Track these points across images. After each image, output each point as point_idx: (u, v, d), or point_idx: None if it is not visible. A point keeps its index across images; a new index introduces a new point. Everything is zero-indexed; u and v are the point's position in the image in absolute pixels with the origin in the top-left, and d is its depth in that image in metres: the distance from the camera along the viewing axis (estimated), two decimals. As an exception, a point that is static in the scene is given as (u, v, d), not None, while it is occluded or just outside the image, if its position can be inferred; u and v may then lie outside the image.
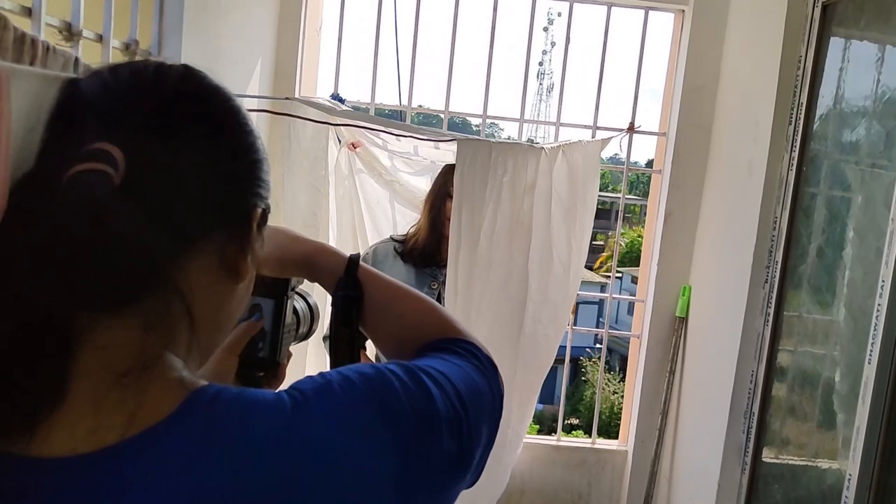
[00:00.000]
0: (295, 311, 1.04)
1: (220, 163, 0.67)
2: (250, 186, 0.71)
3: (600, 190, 2.85)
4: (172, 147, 0.62)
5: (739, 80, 2.79)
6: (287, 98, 2.10)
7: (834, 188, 2.30)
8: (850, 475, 1.94)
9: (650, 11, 3.03)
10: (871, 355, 1.91)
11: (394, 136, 2.68)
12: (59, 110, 0.62)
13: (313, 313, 1.11)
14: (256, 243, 0.72)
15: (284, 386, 0.67)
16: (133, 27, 1.61)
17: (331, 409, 0.62)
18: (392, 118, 3.04)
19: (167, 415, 0.57)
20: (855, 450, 1.93)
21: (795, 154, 2.41)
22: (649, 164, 3.39)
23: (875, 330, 1.90)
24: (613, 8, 3.03)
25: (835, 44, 2.35)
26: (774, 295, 2.46)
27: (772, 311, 2.47)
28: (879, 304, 1.90)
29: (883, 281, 1.90)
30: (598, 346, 16.37)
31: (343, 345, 0.95)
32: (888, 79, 2.08)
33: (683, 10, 2.99)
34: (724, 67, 2.91)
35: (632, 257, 17.77)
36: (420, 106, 3.19)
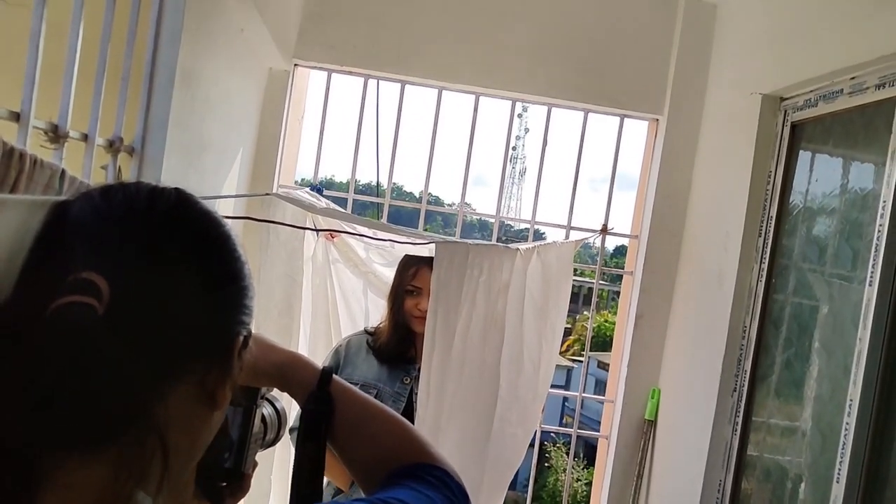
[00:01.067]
0: (263, 418, 1.01)
1: (207, 293, 0.66)
2: (235, 314, 0.70)
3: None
4: (161, 278, 0.61)
5: (711, 190, 2.87)
6: (267, 194, 2.11)
7: (802, 301, 2.35)
8: None
9: (625, 119, 3.13)
10: (839, 474, 1.92)
11: (371, 230, 2.70)
12: (45, 233, 0.60)
13: (280, 419, 1.08)
14: (236, 370, 0.71)
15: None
16: (119, 124, 1.62)
17: None
18: (370, 208, 3.07)
19: None
20: (824, 571, 1.91)
21: (765, 266, 2.47)
22: (619, 249, 3.44)
23: (843, 449, 1.92)
24: (590, 114, 3.12)
25: (803, 159, 2.43)
26: (743, 403, 2.47)
27: (740, 419, 2.48)
28: (847, 423, 1.92)
29: (851, 400, 1.92)
30: (564, 427, 16.22)
31: (307, 461, 0.92)
32: (854, 196, 2.15)
33: (658, 119, 3.09)
34: (696, 176, 3.00)
35: (598, 341, 17.80)
36: (396, 187, 3.22)
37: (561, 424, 17.21)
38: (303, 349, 2.81)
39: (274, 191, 2.69)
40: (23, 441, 0.53)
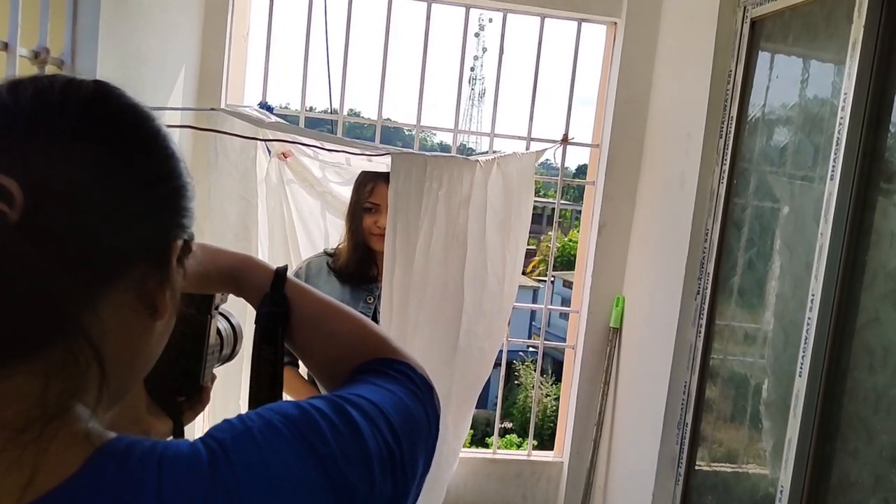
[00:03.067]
0: (219, 331, 0.98)
1: (135, 193, 0.60)
2: (170, 217, 0.64)
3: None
4: (81, 178, 0.55)
5: (671, 92, 2.82)
6: (213, 109, 2.00)
7: (763, 200, 2.33)
8: (782, 486, 1.96)
9: (583, 23, 3.04)
10: (801, 368, 1.94)
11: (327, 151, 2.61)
12: None
13: (236, 334, 1.05)
14: (177, 277, 0.66)
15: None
16: (43, 34, 1.50)
17: (253, 462, 0.56)
18: (323, 126, 2.96)
19: (72, 473, 0.51)
20: (787, 461, 1.95)
21: (726, 167, 2.44)
22: (581, 168, 3.40)
23: (805, 343, 1.93)
24: (547, 19, 3.02)
25: (763, 58, 2.39)
26: (706, 306, 2.48)
27: (704, 322, 2.49)
28: (809, 318, 1.93)
29: (813, 295, 1.93)
30: (530, 349, 16.50)
31: (266, 365, 0.89)
32: (814, 93, 2.12)
33: (616, 23, 3.01)
34: (656, 80, 2.94)
35: (563, 261, 17.98)
36: (352, 112, 3.12)
37: (528, 341, 17.48)
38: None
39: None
40: None
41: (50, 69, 1.57)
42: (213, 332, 0.95)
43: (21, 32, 1.43)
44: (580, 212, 3.27)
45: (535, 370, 15.62)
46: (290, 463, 0.57)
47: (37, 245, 0.51)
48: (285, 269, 0.90)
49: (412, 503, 0.72)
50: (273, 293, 0.87)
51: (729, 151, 2.43)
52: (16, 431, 0.50)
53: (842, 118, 1.90)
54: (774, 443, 2.10)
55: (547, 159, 3.13)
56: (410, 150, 2.43)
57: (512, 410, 17.49)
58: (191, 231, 0.68)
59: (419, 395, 0.79)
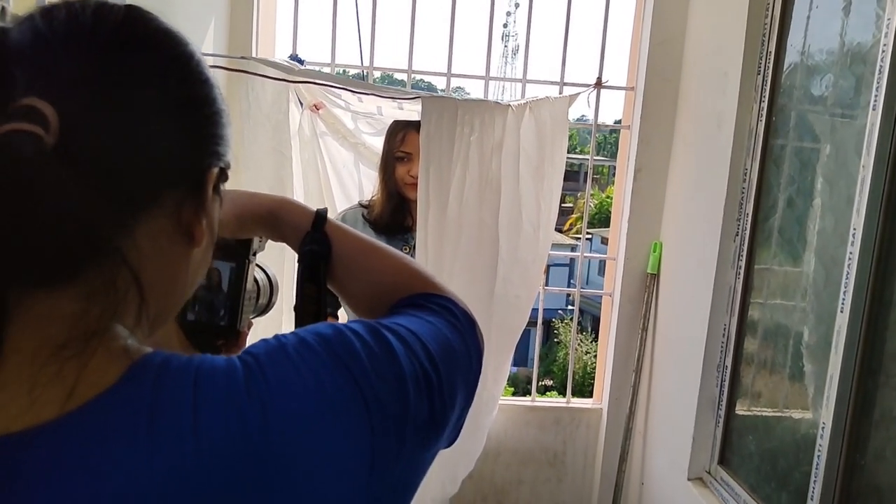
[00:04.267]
0: (255, 280, 0.99)
1: (170, 117, 0.60)
2: (206, 143, 0.64)
3: (568, 152, 2.80)
4: (115, 101, 0.55)
5: (707, 31, 2.75)
6: (243, 57, 2.00)
7: (804, 138, 2.28)
8: (823, 423, 1.94)
9: (616, -37, 2.97)
10: (843, 304, 1.90)
11: (356, 97, 2.60)
12: None
13: (272, 285, 1.06)
14: (213, 206, 0.67)
15: None
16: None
17: (287, 375, 0.57)
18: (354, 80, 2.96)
19: (111, 385, 0.52)
20: (828, 398, 1.93)
21: (765, 105, 2.38)
22: (616, 123, 3.36)
23: (847, 279, 1.89)
24: (578, -40, 2.96)
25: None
26: (745, 247, 2.45)
27: (743, 263, 2.46)
28: (851, 253, 1.89)
29: (854, 229, 1.88)
30: (569, 307, 16.46)
31: (310, 303, 0.90)
32: (855, 26, 2.05)
33: (649, -39, 2.93)
34: (690, 19, 2.87)
35: (601, 218, 17.82)
36: (381, 68, 3.09)
37: (567, 304, 17.44)
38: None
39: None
40: None
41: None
42: (250, 278, 0.96)
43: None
44: (616, 172, 3.22)
45: (573, 324, 15.58)
46: (323, 377, 0.58)
47: (72, 169, 0.51)
48: (325, 210, 0.90)
49: (451, 436, 0.73)
50: (314, 232, 0.88)
51: (767, 88, 2.37)
52: (57, 347, 0.52)
53: (885, 45, 1.83)
54: (816, 381, 2.08)
55: (583, 115, 3.10)
56: (441, 94, 2.41)
57: (552, 368, 17.54)
58: (227, 159, 0.68)
59: (459, 328, 0.79)
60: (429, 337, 0.71)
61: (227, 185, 0.71)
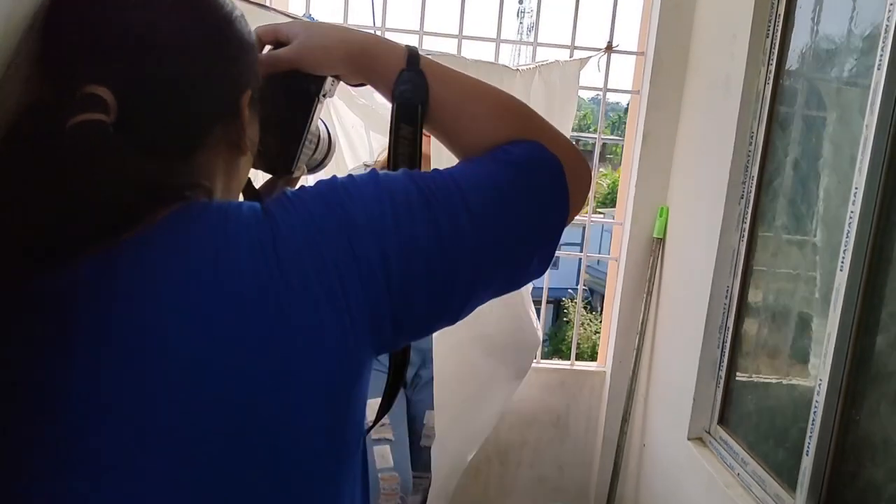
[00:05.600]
0: (317, 126, 0.97)
1: (204, 64, 0.69)
2: (237, 75, 0.74)
3: (580, 130, 2.82)
4: (158, 67, 0.65)
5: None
6: (260, 4, 2.04)
7: (810, 101, 2.29)
8: (820, 380, 1.97)
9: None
10: (843, 262, 1.93)
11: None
12: (42, 44, 0.65)
13: (331, 141, 1.03)
14: (251, 121, 0.78)
15: None
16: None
17: (287, 212, 0.67)
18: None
19: (162, 217, 0.65)
20: (826, 355, 1.96)
21: (773, 68, 2.39)
22: (627, 107, 3.37)
23: (847, 238, 1.91)
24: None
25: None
26: (750, 210, 2.47)
27: (747, 226, 2.48)
28: (852, 212, 1.91)
29: (856, 188, 1.90)
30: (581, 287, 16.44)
31: (405, 145, 0.85)
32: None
33: (662, -75, 2.92)
34: (702, -18, 2.86)
35: (614, 198, 17.74)
36: (392, 29, 3.11)
37: (577, 283, 17.42)
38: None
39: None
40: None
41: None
42: (316, 117, 0.92)
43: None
44: (625, 137, 3.23)
45: (583, 307, 15.62)
46: (312, 209, 0.68)
47: (133, 137, 0.63)
48: (415, 47, 0.86)
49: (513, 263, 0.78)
50: (409, 70, 0.83)
51: (776, 51, 2.38)
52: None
53: (891, 3, 1.84)
54: (814, 340, 2.11)
55: (596, 94, 3.10)
56: (450, 53, 2.43)
57: (561, 347, 17.58)
58: (256, 79, 0.77)
59: (529, 174, 0.79)
60: (470, 188, 0.74)
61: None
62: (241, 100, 0.74)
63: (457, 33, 2.96)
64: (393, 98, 0.83)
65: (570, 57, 2.97)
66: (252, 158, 0.81)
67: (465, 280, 0.73)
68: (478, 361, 2.65)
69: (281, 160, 0.91)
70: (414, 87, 0.82)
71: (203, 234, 0.64)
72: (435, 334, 2.45)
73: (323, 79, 0.88)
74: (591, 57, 2.90)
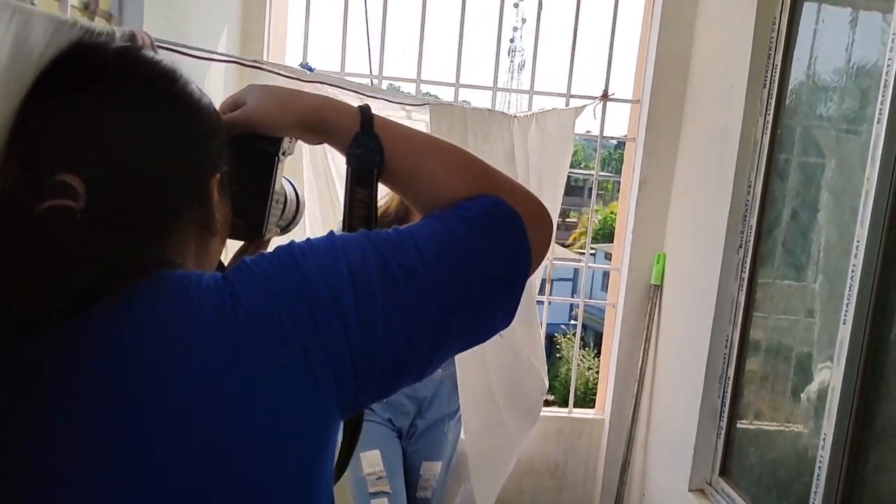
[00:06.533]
0: (283, 186, 0.96)
1: (173, 151, 0.72)
2: (205, 159, 0.76)
3: (573, 167, 2.83)
4: (127, 156, 0.68)
5: (713, 44, 2.78)
6: (255, 61, 2.04)
7: (808, 151, 2.30)
8: (825, 434, 1.95)
9: (623, -23, 3.00)
10: (846, 315, 1.91)
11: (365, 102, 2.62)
12: (18, 134, 0.67)
13: (299, 201, 1.02)
14: (221, 203, 0.78)
15: None
16: (92, -16, 1.54)
17: (245, 278, 0.68)
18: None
19: (132, 287, 0.66)
20: (830, 409, 1.94)
21: (770, 117, 2.40)
22: (621, 144, 3.39)
23: (850, 291, 1.91)
24: (586, -26, 2.99)
25: (809, 4, 2.33)
26: (749, 259, 2.46)
27: (746, 275, 2.47)
28: (854, 265, 1.90)
29: (858, 241, 1.90)
30: (573, 321, 16.45)
31: (360, 208, 0.85)
32: (861, 38, 2.07)
33: (656, -25, 2.96)
34: (697, 32, 2.89)
35: (605, 234, 17.83)
36: (390, 77, 3.12)
37: (570, 318, 17.42)
38: (308, 234, 2.78)
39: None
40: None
41: (99, 21, 1.61)
42: (279, 178, 0.91)
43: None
44: (621, 184, 3.24)
45: (576, 340, 15.56)
46: (271, 274, 0.68)
47: (101, 222, 0.66)
48: (368, 107, 0.85)
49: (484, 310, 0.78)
50: (363, 134, 0.83)
51: (773, 101, 2.40)
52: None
53: (890, 59, 1.85)
54: (818, 392, 2.09)
55: (587, 131, 3.12)
56: (448, 102, 2.43)
57: (554, 384, 17.45)
58: (224, 162, 0.79)
59: (489, 228, 0.79)
60: (425, 241, 0.74)
61: None
62: (211, 183, 0.76)
63: (454, 81, 2.97)
64: (347, 162, 0.84)
65: (567, 105, 2.98)
66: (224, 237, 0.83)
67: (427, 337, 0.72)
68: (502, 411, 2.63)
69: (251, 225, 0.91)
70: (368, 150, 0.82)
71: (167, 302, 0.65)
72: (459, 382, 2.43)
73: (280, 139, 0.88)
74: (586, 105, 2.92)
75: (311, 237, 0.73)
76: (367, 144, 0.82)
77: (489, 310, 0.79)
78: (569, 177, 2.86)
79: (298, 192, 1.03)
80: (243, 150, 0.85)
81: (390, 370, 0.72)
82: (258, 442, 0.64)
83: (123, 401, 0.62)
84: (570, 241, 21.23)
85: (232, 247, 0.95)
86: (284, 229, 1.03)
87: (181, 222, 0.73)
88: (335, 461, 0.90)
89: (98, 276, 0.65)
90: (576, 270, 18.34)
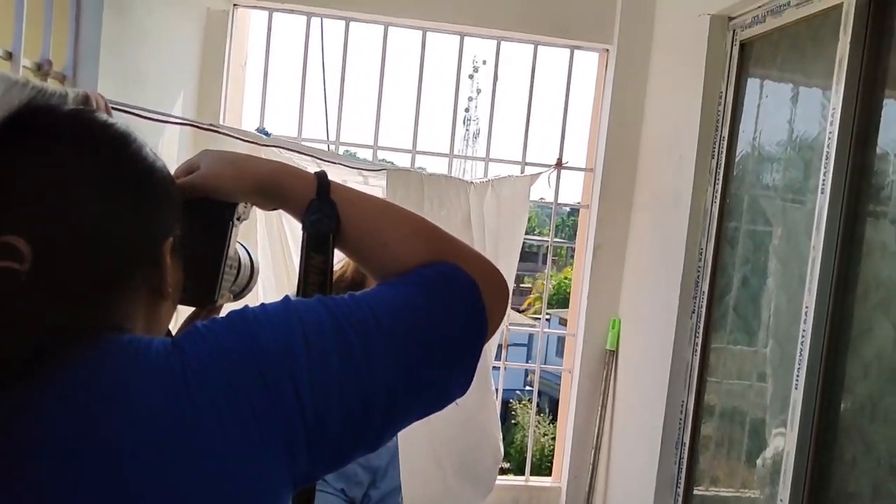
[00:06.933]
0: (237, 251, 0.95)
1: (124, 217, 0.71)
2: (156, 224, 0.75)
3: (528, 233, 2.87)
4: (74, 220, 0.67)
5: (664, 115, 2.87)
6: (211, 125, 2.03)
7: (756, 219, 2.36)
8: (781, 500, 1.95)
9: (575, 51, 3.10)
10: (797, 380, 1.94)
11: (322, 168, 2.62)
12: None
13: (253, 266, 1.01)
14: (174, 266, 0.77)
15: None
16: (46, 46, 1.53)
17: (197, 344, 0.66)
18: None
19: (83, 356, 0.65)
20: (785, 473, 1.95)
21: (719, 186, 2.47)
22: (574, 211, 3.45)
23: (801, 356, 1.94)
24: (540, 47, 3.08)
25: (753, 80, 2.43)
26: (702, 325, 2.50)
27: (699, 340, 2.50)
28: (804, 330, 1.94)
29: (807, 307, 1.94)
30: (528, 388, 16.37)
31: (316, 274, 0.84)
32: (803, 111, 2.16)
33: (608, 50, 3.07)
34: (648, 103, 2.99)
35: (559, 299, 17.94)
36: (347, 143, 3.14)
37: (525, 384, 17.35)
38: (262, 299, 2.74)
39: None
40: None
41: (52, 82, 1.60)
42: (233, 243, 0.91)
43: (25, 44, 1.46)
44: (575, 249, 3.29)
45: (531, 406, 15.49)
46: (223, 339, 0.67)
47: (47, 284, 0.65)
48: (325, 173, 0.85)
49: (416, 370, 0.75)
50: (319, 201, 0.82)
51: (721, 171, 2.47)
52: None
53: (830, 133, 1.93)
54: (773, 457, 2.10)
55: (541, 198, 3.17)
56: (405, 168, 2.45)
57: (509, 450, 17.25)
58: (176, 227, 0.78)
59: (444, 295, 0.78)
60: (381, 307, 0.73)
61: None
62: (163, 248, 0.75)
63: (410, 148, 3.01)
64: (304, 228, 0.83)
65: (522, 172, 3.03)
66: (176, 301, 0.82)
67: (381, 404, 0.71)
68: (449, 481, 2.56)
69: (203, 290, 0.90)
70: (323, 216, 0.82)
71: (115, 367, 0.64)
72: (400, 450, 2.37)
73: (234, 204, 0.88)
74: (541, 173, 2.97)
75: (266, 302, 0.72)
76: (323, 210, 0.82)
77: (445, 377, 0.78)
78: (524, 243, 2.89)
79: (253, 257, 1.02)
80: (197, 215, 0.84)
81: (344, 439, 0.70)
82: None
83: (64, 465, 0.60)
84: (524, 306, 21.30)
85: (183, 312, 0.94)
86: (238, 295, 1.02)
87: (131, 286, 0.72)
88: None
89: (44, 339, 0.64)
90: (530, 335, 18.37)
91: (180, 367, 0.64)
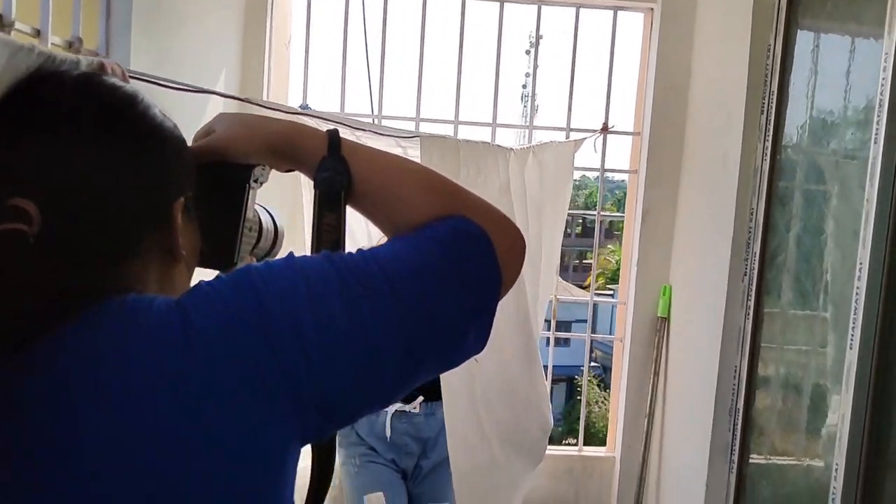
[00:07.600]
0: (259, 220, 0.95)
1: (133, 177, 0.71)
2: (167, 183, 0.75)
3: (583, 208, 2.82)
4: (83, 181, 0.67)
5: (710, 74, 2.78)
6: (247, 99, 2.05)
7: (809, 175, 2.27)
8: (836, 465, 1.88)
9: (619, 11, 3.02)
10: (852, 339, 1.86)
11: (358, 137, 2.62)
12: None
13: (276, 231, 1.00)
14: (187, 228, 0.77)
15: None
16: (76, 23, 1.56)
17: (198, 303, 0.67)
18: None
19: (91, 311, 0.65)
20: (840, 438, 1.87)
21: (769, 143, 2.38)
22: (621, 184, 3.37)
23: (855, 314, 1.86)
24: (582, 9, 3.01)
25: (803, 31, 2.33)
26: (754, 287, 2.42)
27: (752, 303, 2.42)
28: (858, 288, 1.86)
29: (861, 263, 1.86)
30: (593, 363, 16.29)
31: (329, 232, 0.83)
32: (856, 63, 2.06)
33: (652, 9, 2.98)
34: (694, 63, 2.90)
35: (618, 274, 17.72)
36: (389, 116, 3.14)
37: (591, 360, 17.25)
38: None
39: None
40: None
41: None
42: (251, 205, 0.91)
43: (56, 23, 1.49)
44: (626, 213, 3.22)
45: (597, 385, 15.43)
46: (225, 296, 0.67)
47: (54, 248, 0.65)
48: (337, 131, 0.85)
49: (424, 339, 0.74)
50: (330, 156, 0.82)
51: (771, 127, 2.38)
52: None
53: (884, 80, 1.83)
54: (829, 420, 2.02)
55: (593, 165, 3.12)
56: (440, 134, 2.43)
57: (575, 426, 17.21)
58: (188, 186, 0.78)
59: (455, 250, 0.77)
60: (390, 263, 0.72)
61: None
62: (173, 208, 0.74)
63: (452, 119, 2.98)
64: (315, 186, 0.83)
65: (567, 138, 2.98)
66: (192, 265, 0.81)
67: (394, 360, 0.70)
68: (495, 451, 2.56)
69: (222, 254, 0.89)
70: (335, 173, 0.81)
71: (114, 326, 0.65)
72: (447, 421, 2.37)
73: (251, 167, 0.88)
74: (585, 138, 2.91)
75: (270, 260, 0.72)
76: (335, 167, 0.81)
77: (459, 334, 0.76)
78: (583, 218, 2.85)
79: (277, 221, 1.01)
80: (213, 178, 0.84)
81: (355, 398, 0.70)
82: (205, 464, 0.63)
83: (66, 426, 0.62)
84: (587, 282, 21.10)
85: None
86: (263, 259, 1.01)
87: (142, 248, 0.72)
88: (307, 492, 0.88)
89: (52, 302, 0.65)
90: (595, 309, 18.26)
91: (181, 324, 0.64)
